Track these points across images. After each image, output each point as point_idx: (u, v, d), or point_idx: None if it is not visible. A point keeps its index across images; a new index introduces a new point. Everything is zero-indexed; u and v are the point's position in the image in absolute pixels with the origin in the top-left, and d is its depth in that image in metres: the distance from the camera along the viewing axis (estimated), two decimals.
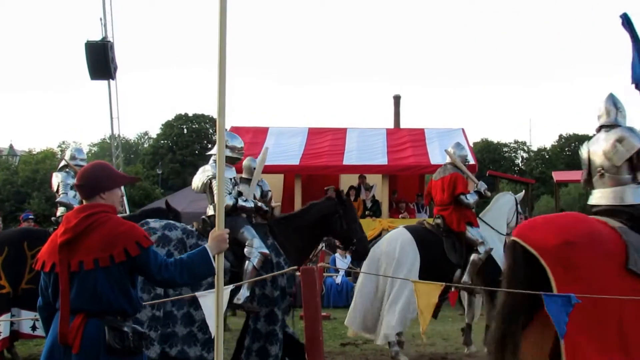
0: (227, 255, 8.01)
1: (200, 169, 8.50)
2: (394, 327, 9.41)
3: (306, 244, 8.74)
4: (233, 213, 8.21)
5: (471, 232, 9.89)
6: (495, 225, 10.39)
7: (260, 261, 7.96)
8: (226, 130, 9.00)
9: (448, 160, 10.40)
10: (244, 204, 8.33)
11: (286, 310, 8.17)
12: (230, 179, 8.29)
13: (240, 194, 8.59)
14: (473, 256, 9.79)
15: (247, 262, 7.97)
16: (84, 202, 4.22)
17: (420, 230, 9.95)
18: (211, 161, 8.44)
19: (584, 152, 6.85)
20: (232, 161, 8.48)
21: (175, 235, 7.78)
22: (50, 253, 4.07)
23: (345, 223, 8.66)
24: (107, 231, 4.01)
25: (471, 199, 9.98)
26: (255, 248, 8.01)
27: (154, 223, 7.94)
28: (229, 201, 8.10)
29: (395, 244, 9.43)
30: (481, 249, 9.79)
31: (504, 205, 10.63)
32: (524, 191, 11.90)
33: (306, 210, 8.89)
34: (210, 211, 8.31)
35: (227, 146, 8.40)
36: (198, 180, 8.44)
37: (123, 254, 3.96)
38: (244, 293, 7.94)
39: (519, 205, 10.75)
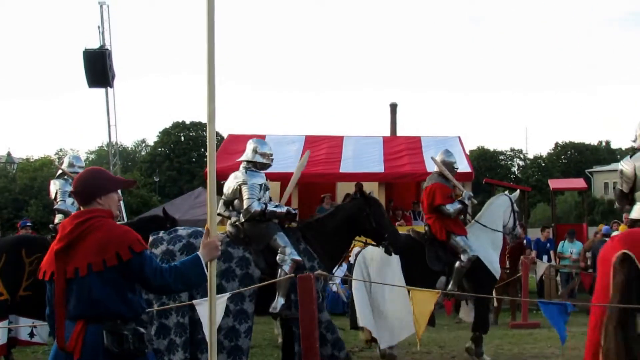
0: (259, 262, 8.13)
1: (232, 175, 8.62)
2: (392, 339, 9.59)
3: (338, 246, 8.83)
4: (264, 219, 8.28)
5: (455, 240, 9.93)
6: (494, 226, 10.38)
7: (292, 268, 7.97)
8: (255, 138, 9.15)
9: (436, 168, 10.42)
10: (274, 209, 8.34)
11: (326, 312, 8.37)
12: (260, 185, 8.34)
13: (270, 199, 8.69)
14: (457, 264, 9.84)
15: (279, 269, 8.01)
16: (82, 209, 4.23)
17: (403, 238, 9.99)
18: (241, 167, 8.54)
19: (628, 167, 7.25)
20: (262, 167, 8.60)
21: (199, 244, 7.77)
22: (49, 262, 4.09)
23: (374, 220, 8.74)
24: (101, 235, 4.02)
25: (451, 208, 9.99)
26: (288, 255, 8.05)
27: (182, 231, 8.04)
28: (257, 207, 8.15)
29: (379, 250, 9.39)
30: (464, 257, 9.81)
31: (498, 207, 10.58)
32: (518, 190, 11.73)
33: (334, 213, 8.98)
34: (241, 218, 8.38)
35: (257, 152, 8.56)
36: (228, 187, 8.54)
37: (115, 258, 3.96)
38: (280, 301, 7.99)
39: (515, 205, 10.68)
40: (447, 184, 10.25)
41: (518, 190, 11.47)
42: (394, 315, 9.40)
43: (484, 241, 10.16)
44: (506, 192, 11.44)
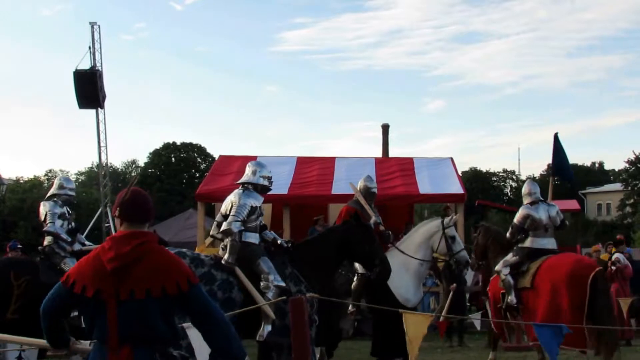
0: (242, 286, 7.94)
1: (229, 196, 8.50)
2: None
3: (328, 269, 8.73)
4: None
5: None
6: (409, 252, 10.21)
7: (276, 295, 7.85)
8: (246, 158, 9.05)
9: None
10: (249, 239, 8.21)
11: (312, 339, 8.06)
12: (252, 207, 8.22)
13: (265, 226, 8.65)
14: (353, 283, 9.91)
15: (264, 297, 7.87)
16: (128, 228, 4.05)
17: None
18: (240, 188, 8.48)
19: (536, 214, 10.47)
20: (263, 190, 8.55)
21: None
22: (94, 278, 3.90)
23: (367, 245, 8.65)
24: (158, 261, 3.93)
25: None
26: (271, 282, 7.91)
27: None
28: (235, 229, 8.05)
29: None
30: (355, 277, 9.90)
31: (423, 233, 10.44)
32: (458, 214, 11.33)
33: (326, 236, 8.93)
34: (215, 232, 8.26)
35: (258, 174, 8.52)
36: (225, 207, 8.44)
37: (175, 287, 3.88)
38: (266, 329, 7.84)
39: (449, 229, 10.35)
40: (357, 207, 10.38)
41: (455, 215, 11.18)
42: None
43: (395, 265, 9.82)
44: (439, 217, 10.99)
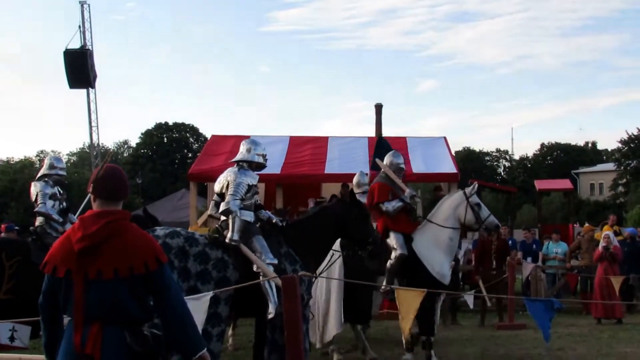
0: (238, 266, 7.84)
1: (223, 174, 8.40)
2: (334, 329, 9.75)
3: (322, 248, 8.63)
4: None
5: (390, 237, 9.93)
6: (440, 223, 10.06)
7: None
8: (238, 138, 8.91)
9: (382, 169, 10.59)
10: (245, 217, 8.06)
11: (306, 318, 8.02)
12: (249, 185, 8.12)
13: (261, 205, 8.53)
14: (388, 262, 9.80)
15: (260, 276, 7.77)
16: (101, 206, 3.99)
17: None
18: (235, 166, 8.36)
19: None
20: (258, 167, 8.43)
21: (176, 244, 7.57)
22: (64, 258, 3.89)
23: (362, 224, 8.60)
24: (128, 241, 3.88)
25: (390, 206, 10.02)
26: (263, 260, 7.83)
27: (160, 231, 7.74)
28: (234, 207, 7.92)
29: None
30: (392, 255, 9.79)
31: (449, 205, 10.25)
32: (476, 184, 10.67)
33: (319, 214, 8.77)
34: (222, 217, 8.19)
35: (252, 152, 8.38)
36: (219, 184, 8.35)
37: (143, 267, 3.83)
38: (273, 305, 7.74)
39: (472, 197, 10.19)
40: (389, 183, 10.29)
41: (476, 184, 10.59)
42: (330, 314, 9.67)
43: (428, 240, 9.95)
44: (461, 189, 10.67)
